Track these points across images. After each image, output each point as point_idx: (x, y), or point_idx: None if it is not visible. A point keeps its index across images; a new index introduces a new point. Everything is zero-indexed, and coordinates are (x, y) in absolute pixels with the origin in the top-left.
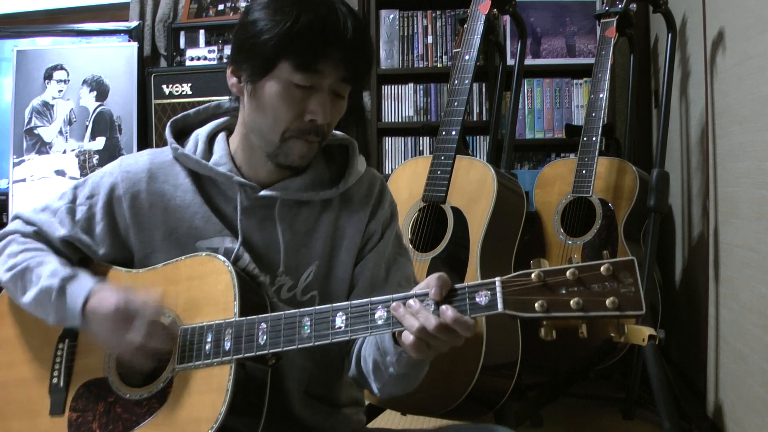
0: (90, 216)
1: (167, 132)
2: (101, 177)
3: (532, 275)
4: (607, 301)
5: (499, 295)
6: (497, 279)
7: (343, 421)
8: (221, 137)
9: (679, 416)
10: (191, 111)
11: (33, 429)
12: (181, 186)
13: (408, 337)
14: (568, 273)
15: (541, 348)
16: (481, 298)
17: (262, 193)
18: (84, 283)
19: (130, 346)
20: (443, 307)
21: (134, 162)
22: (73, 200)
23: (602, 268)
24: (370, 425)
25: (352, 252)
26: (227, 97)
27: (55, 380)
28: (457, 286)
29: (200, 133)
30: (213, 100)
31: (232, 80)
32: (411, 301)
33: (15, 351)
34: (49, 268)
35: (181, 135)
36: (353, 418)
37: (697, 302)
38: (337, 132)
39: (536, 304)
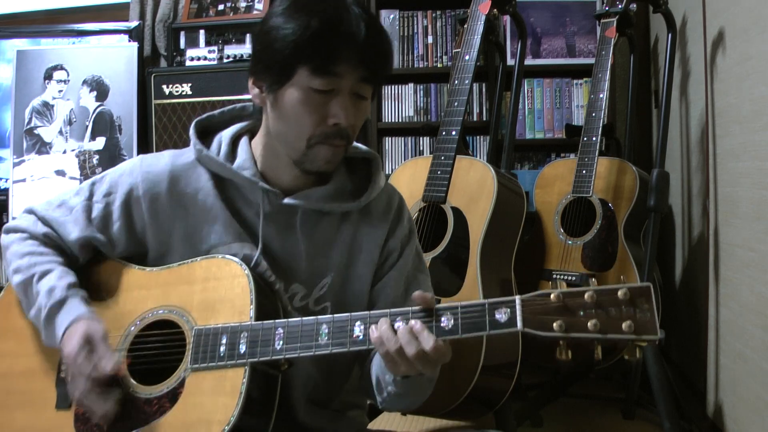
0: (107, 214)
1: (191, 132)
2: (120, 175)
3: (552, 296)
4: (624, 325)
5: (518, 313)
6: (517, 297)
7: (345, 424)
8: (244, 141)
9: (679, 416)
10: (216, 111)
11: (38, 421)
12: (203, 189)
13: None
14: (586, 295)
15: (541, 348)
16: (501, 315)
17: (286, 200)
18: (65, 315)
19: (74, 397)
20: (412, 321)
21: (155, 163)
22: (90, 197)
23: (619, 293)
24: (370, 426)
25: (369, 267)
26: (234, 97)
27: (62, 374)
28: (477, 302)
29: (224, 135)
30: (213, 101)
31: (254, 91)
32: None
33: (21, 341)
34: (44, 288)
35: (204, 135)
36: (356, 420)
37: (697, 302)
38: (361, 145)
39: (555, 324)
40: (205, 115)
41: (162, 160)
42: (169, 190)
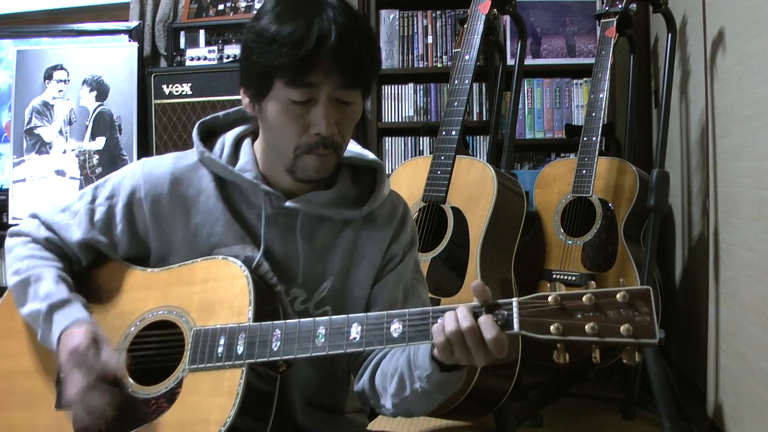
0: (109, 216)
1: (194, 134)
2: (122, 178)
3: (549, 298)
4: (622, 328)
5: (515, 315)
6: (514, 300)
7: (345, 426)
8: (247, 143)
9: (679, 416)
10: (220, 113)
11: (36, 420)
12: (205, 191)
13: (439, 336)
14: (584, 298)
15: (541, 348)
16: (498, 318)
17: (287, 204)
18: (68, 314)
19: (72, 392)
20: (482, 317)
21: (157, 165)
22: (93, 200)
23: (618, 296)
24: (369, 426)
25: (370, 271)
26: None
27: (63, 374)
28: (474, 304)
29: (227, 138)
30: (213, 101)
31: (245, 101)
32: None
33: (23, 341)
34: (44, 289)
35: (208, 137)
36: (355, 422)
37: (697, 302)
38: (369, 153)
39: (552, 327)
40: (209, 117)
41: (164, 163)
42: (170, 192)
